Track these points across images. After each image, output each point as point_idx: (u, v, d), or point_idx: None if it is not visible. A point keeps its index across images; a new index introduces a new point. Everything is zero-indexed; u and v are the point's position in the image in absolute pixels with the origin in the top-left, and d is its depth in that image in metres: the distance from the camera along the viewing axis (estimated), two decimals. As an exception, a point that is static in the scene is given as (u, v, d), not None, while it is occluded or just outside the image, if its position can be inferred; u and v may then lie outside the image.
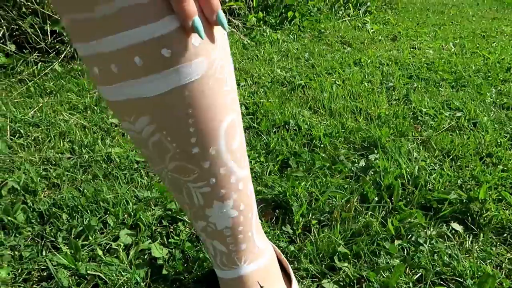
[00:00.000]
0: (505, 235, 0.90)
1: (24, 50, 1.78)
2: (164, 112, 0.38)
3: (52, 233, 0.86)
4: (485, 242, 0.88)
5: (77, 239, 0.84)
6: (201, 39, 0.37)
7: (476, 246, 0.87)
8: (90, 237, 0.85)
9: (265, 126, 1.30)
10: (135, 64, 0.35)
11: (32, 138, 1.25)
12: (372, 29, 2.78)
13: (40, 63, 1.77)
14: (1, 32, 1.70)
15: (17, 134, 1.28)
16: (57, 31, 1.83)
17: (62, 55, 1.81)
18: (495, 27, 3.08)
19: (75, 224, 0.87)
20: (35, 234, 0.87)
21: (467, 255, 0.84)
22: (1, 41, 1.71)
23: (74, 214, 0.91)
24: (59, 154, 1.16)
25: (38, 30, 1.78)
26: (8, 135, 1.26)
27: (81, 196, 0.96)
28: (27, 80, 1.66)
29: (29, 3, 1.75)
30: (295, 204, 0.95)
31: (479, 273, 0.78)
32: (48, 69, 1.73)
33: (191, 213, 0.51)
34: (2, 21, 1.69)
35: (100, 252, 0.81)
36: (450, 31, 2.88)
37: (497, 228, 0.92)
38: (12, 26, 1.75)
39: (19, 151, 1.17)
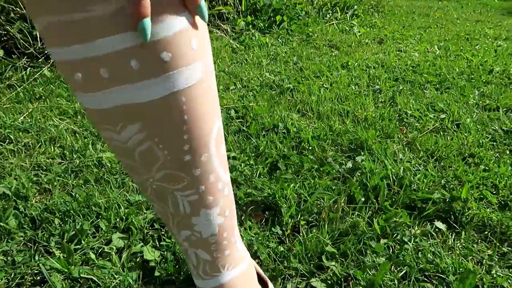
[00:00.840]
0: (486, 232, 0.94)
1: (12, 55, 1.78)
2: (158, 118, 0.36)
3: (44, 238, 0.87)
4: (467, 240, 0.91)
5: (70, 243, 0.85)
6: (197, 43, 0.36)
7: (458, 244, 0.90)
8: (82, 241, 0.86)
9: (254, 130, 1.32)
10: (131, 67, 0.33)
11: (22, 143, 1.26)
12: (359, 32, 2.82)
13: (29, 68, 1.77)
14: (-11, 38, 1.70)
15: (7, 140, 1.28)
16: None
17: (51, 60, 1.81)
18: (478, 29, 3.15)
19: (68, 229, 0.88)
20: (27, 239, 0.88)
21: (449, 252, 0.87)
22: (-11, 46, 1.71)
23: (66, 219, 0.92)
24: (50, 160, 1.16)
25: (28, 35, 1.78)
26: (-2, 141, 1.27)
27: (73, 201, 0.97)
28: (16, 86, 1.66)
29: (17, 9, 1.75)
30: (284, 205, 0.97)
31: (460, 269, 0.81)
32: (37, 74, 1.73)
33: (174, 222, 0.48)
34: (-10, 26, 1.69)
35: (92, 256, 0.82)
36: (435, 34, 2.94)
37: (479, 226, 0.95)
38: (0, 31, 1.75)
39: (10, 157, 1.18)
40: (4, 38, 1.78)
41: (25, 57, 1.79)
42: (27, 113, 1.44)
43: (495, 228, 0.94)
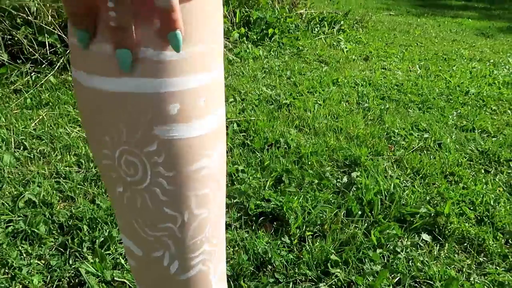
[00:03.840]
0: (465, 244, 1.08)
1: (17, 60, 1.82)
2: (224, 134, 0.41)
3: (75, 244, 0.94)
4: (449, 250, 1.05)
5: (100, 249, 0.93)
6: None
7: (442, 254, 1.04)
8: (111, 247, 0.94)
9: (258, 144, 1.43)
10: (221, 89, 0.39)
11: (38, 151, 1.32)
12: (346, 48, 2.98)
13: (34, 73, 1.81)
14: (-4, 43, 1.74)
15: (21, 147, 1.34)
16: (50, 42, 1.88)
17: (56, 66, 1.86)
18: (455, 49, 3.37)
19: (97, 235, 0.96)
20: (58, 244, 0.95)
21: (435, 261, 1.01)
22: (-5, 51, 1.75)
23: (94, 226, 1.00)
24: (68, 168, 1.23)
25: (33, 41, 1.82)
26: (13, 147, 1.32)
27: (97, 209, 1.05)
28: (22, 91, 1.70)
29: (23, 15, 1.79)
30: (292, 217, 1.08)
31: (445, 276, 0.95)
32: (43, 80, 1.77)
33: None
34: (-2, 32, 1.72)
35: (122, 261, 0.91)
36: (416, 52, 3.13)
37: (459, 238, 1.09)
38: (6, 36, 1.79)
39: (29, 164, 1.24)
40: (9, 43, 1.82)
41: (30, 62, 1.83)
42: (38, 120, 1.49)
43: (473, 240, 1.08)
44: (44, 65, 1.86)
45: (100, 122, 0.37)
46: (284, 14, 3.07)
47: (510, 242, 1.10)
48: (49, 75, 1.80)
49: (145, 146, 0.36)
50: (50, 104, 1.64)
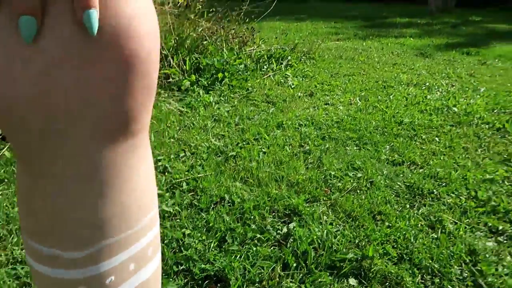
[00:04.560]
0: (386, 283, 1.23)
1: (-30, 139, 1.88)
2: None
3: (32, 332, 1.03)
4: (373, 292, 1.20)
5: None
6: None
7: (366, 296, 1.19)
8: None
9: (204, 204, 1.55)
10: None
11: (-6, 235, 1.39)
12: (293, 84, 3.17)
13: (-13, 150, 1.88)
14: None
15: (-22, 232, 1.41)
16: (2, 117, 1.95)
17: (9, 140, 1.93)
18: (394, 75, 3.64)
19: (52, 321, 1.05)
20: (16, 334, 1.04)
21: (359, 305, 1.16)
22: None
23: (49, 311, 1.09)
24: (23, 251, 1.31)
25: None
26: (-31, 234, 1.39)
27: (52, 292, 1.14)
28: (-24, 170, 1.76)
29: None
30: (233, 278, 1.21)
31: (365, 320, 1.09)
32: (-3, 157, 1.84)
33: None
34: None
35: None
36: (358, 82, 3.37)
37: (381, 279, 1.25)
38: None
39: (-15, 251, 1.31)
40: (-39, 122, 1.88)
41: (-17, 139, 1.90)
42: (-7, 201, 1.56)
43: (393, 279, 1.24)
44: (-3, 139, 1.93)
45: None
46: (232, 57, 3.25)
47: (425, 276, 1.26)
48: (3, 150, 1.87)
49: None
50: (6, 180, 1.71)
